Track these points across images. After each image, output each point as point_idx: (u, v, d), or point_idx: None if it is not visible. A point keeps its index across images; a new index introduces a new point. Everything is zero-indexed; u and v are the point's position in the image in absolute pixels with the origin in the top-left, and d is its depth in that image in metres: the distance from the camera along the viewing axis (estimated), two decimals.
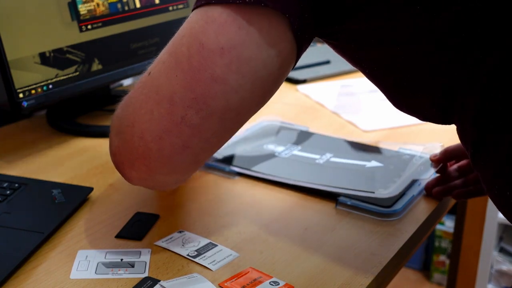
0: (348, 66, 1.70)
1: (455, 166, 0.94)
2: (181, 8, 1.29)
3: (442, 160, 0.93)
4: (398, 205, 0.88)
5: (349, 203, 0.88)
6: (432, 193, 0.92)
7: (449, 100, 0.67)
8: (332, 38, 0.70)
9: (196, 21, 0.65)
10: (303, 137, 1.11)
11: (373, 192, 0.89)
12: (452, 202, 0.99)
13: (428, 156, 0.98)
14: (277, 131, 1.13)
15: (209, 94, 0.65)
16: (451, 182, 0.93)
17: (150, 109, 0.67)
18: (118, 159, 0.73)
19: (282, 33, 0.65)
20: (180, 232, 0.82)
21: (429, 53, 0.65)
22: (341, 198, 0.89)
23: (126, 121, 0.69)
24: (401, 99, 0.72)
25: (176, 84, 0.65)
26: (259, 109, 0.71)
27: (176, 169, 0.71)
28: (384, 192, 0.89)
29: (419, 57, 0.66)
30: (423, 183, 0.94)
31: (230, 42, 0.63)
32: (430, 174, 0.94)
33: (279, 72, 0.68)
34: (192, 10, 0.67)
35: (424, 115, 0.72)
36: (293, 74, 1.49)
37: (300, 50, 0.67)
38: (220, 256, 0.77)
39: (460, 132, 0.69)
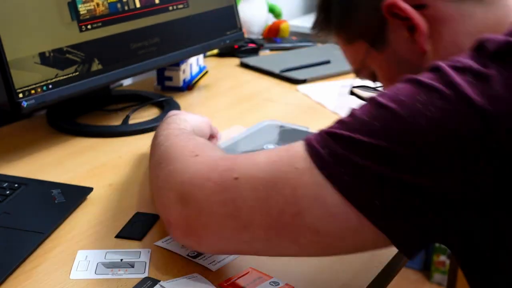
0: (348, 66, 1.70)
1: None
2: (181, 8, 1.29)
3: None
4: None
5: None
6: None
7: None
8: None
9: (307, 183, 0.61)
10: (302, 137, 1.11)
11: None
12: None
13: None
14: (278, 131, 1.13)
15: (282, 246, 0.65)
16: None
17: (223, 216, 0.66)
18: (175, 225, 0.71)
19: (386, 243, 0.61)
20: None
21: None
22: None
23: (196, 203, 0.68)
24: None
25: (257, 221, 0.64)
26: None
27: (222, 253, 0.75)
28: None
29: None
30: None
31: (329, 231, 0.61)
32: None
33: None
34: (307, 149, 0.62)
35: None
36: (293, 74, 1.49)
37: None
38: (220, 256, 0.77)
39: None
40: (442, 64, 0.59)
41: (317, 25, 0.81)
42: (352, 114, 0.62)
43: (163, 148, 0.80)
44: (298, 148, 0.63)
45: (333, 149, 0.60)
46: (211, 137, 1.06)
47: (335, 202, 0.60)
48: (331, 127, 0.62)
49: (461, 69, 0.58)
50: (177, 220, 0.70)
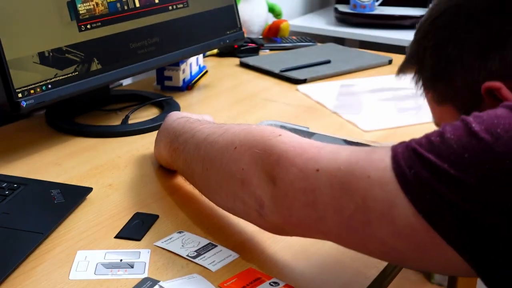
0: (348, 66, 1.70)
1: None
2: (180, 8, 1.29)
3: None
4: None
5: None
6: None
7: None
8: None
9: (378, 196, 0.60)
10: (304, 137, 1.10)
11: None
12: None
13: None
14: None
15: (352, 244, 0.67)
16: None
17: (303, 204, 0.66)
18: (268, 202, 0.70)
19: (468, 271, 0.59)
20: (179, 232, 0.82)
21: None
22: None
23: (283, 187, 0.68)
24: None
25: (330, 218, 0.64)
26: None
27: (304, 236, 0.73)
28: None
29: None
30: None
31: (397, 247, 0.61)
32: None
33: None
34: (392, 160, 0.60)
35: None
36: (293, 74, 1.49)
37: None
38: (220, 257, 0.77)
39: None
40: None
41: (403, 71, 0.80)
42: (442, 134, 0.59)
43: (222, 138, 0.78)
44: (381, 157, 0.61)
45: (419, 173, 0.58)
46: None
47: (407, 224, 0.58)
48: (419, 143, 0.59)
49: None
50: (270, 198, 0.69)
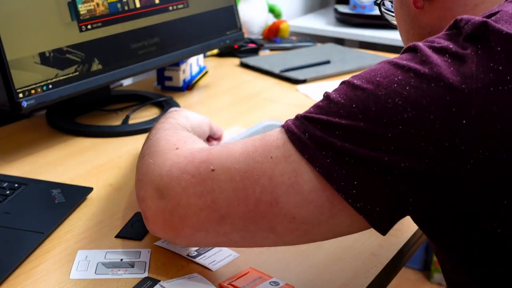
0: (348, 66, 1.70)
1: None
2: (180, 8, 1.29)
3: None
4: None
5: None
6: None
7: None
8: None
9: (283, 170, 0.62)
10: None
11: None
12: None
13: None
14: None
15: (260, 235, 0.66)
16: None
17: (201, 208, 0.67)
18: (152, 219, 0.71)
19: (364, 227, 0.63)
20: None
21: None
22: None
23: (173, 196, 0.68)
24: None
25: (234, 211, 0.65)
26: None
27: (200, 246, 0.76)
28: None
29: None
30: None
31: (305, 218, 0.62)
32: None
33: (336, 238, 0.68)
34: (286, 133, 0.63)
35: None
36: (293, 74, 1.49)
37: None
38: (220, 256, 0.77)
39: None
40: (420, 44, 0.60)
41: None
42: (327, 97, 0.63)
43: (150, 142, 0.81)
44: (274, 136, 0.64)
45: (313, 133, 0.61)
46: (214, 139, 1.06)
47: (313, 188, 0.61)
48: (308, 112, 0.63)
49: (438, 49, 0.59)
50: (154, 213, 0.70)
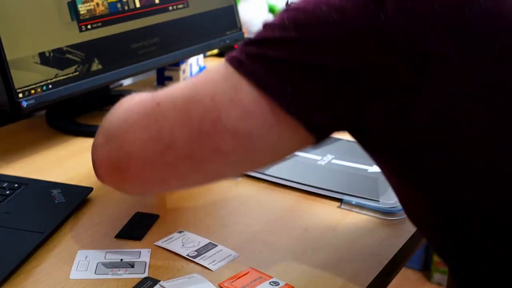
0: None
1: None
2: (180, 8, 1.29)
3: None
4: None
5: (354, 202, 0.88)
6: None
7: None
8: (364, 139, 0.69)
9: (224, 88, 0.64)
10: None
11: (378, 201, 0.88)
12: None
13: None
14: None
15: (205, 160, 0.66)
16: None
17: (145, 140, 0.68)
18: (99, 165, 0.73)
19: (303, 139, 0.65)
20: (180, 232, 0.82)
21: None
22: (346, 198, 0.89)
23: (119, 136, 0.70)
24: (412, 216, 0.73)
25: (179, 135, 0.66)
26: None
27: (147, 190, 0.77)
28: (388, 204, 0.88)
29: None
30: None
31: (247, 131, 0.64)
32: None
33: (283, 159, 0.70)
34: (226, 60, 0.66)
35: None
36: None
37: (317, 144, 0.68)
38: (220, 256, 0.77)
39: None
40: None
41: None
42: (263, 25, 0.66)
43: None
44: (216, 66, 0.67)
45: (249, 51, 0.64)
46: None
47: (252, 99, 0.63)
48: (247, 39, 0.66)
49: None
50: (101, 157, 0.72)
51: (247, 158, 0.67)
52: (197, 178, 0.70)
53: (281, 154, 0.68)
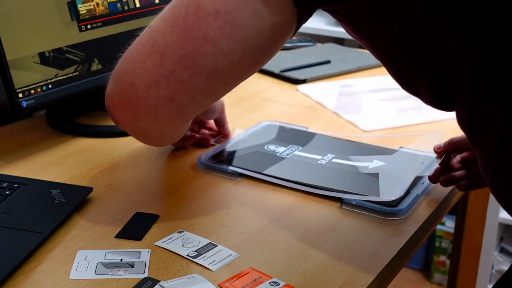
0: (348, 66, 1.70)
1: (458, 157, 0.94)
2: None
3: (445, 152, 0.93)
4: (403, 204, 0.88)
5: (354, 202, 0.88)
6: (437, 181, 0.93)
7: (442, 80, 0.68)
8: (336, 12, 0.71)
9: None
10: (303, 137, 1.11)
11: (378, 197, 0.88)
12: (452, 202, 0.99)
13: (430, 155, 0.98)
14: (277, 132, 1.13)
15: (199, 53, 0.68)
16: (455, 173, 0.93)
17: (144, 59, 0.70)
18: (110, 103, 0.75)
19: (282, 4, 0.66)
20: (180, 232, 0.82)
21: (422, 27, 0.66)
22: (346, 198, 0.89)
23: (122, 68, 0.73)
24: (402, 77, 0.73)
25: (170, 40, 0.69)
26: (248, 76, 0.74)
27: (160, 119, 0.74)
28: (389, 198, 0.88)
29: (414, 31, 0.67)
30: (426, 181, 0.94)
31: (226, 7, 0.66)
32: (433, 170, 0.94)
33: (273, 42, 0.70)
34: None
35: (422, 95, 0.73)
36: (293, 74, 1.49)
37: (300, 21, 0.69)
38: (220, 256, 0.77)
39: (457, 116, 0.70)
40: None
41: None
42: None
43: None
44: None
45: None
46: (224, 135, 1.07)
47: None
48: None
49: None
50: (109, 97, 0.74)
51: (236, 42, 0.67)
52: (200, 84, 0.70)
53: (265, 34, 0.68)
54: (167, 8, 0.72)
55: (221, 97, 0.77)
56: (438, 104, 0.73)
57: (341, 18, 0.72)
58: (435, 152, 0.94)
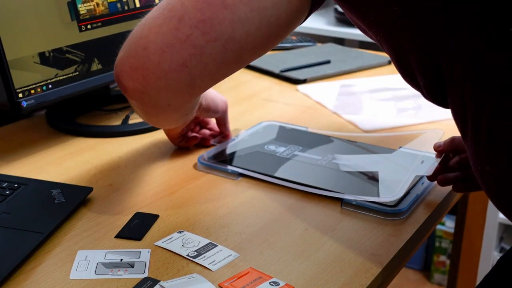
0: (348, 66, 1.70)
1: (456, 158, 0.94)
2: None
3: (445, 150, 0.93)
4: (403, 205, 0.88)
5: (354, 202, 0.88)
6: (435, 180, 0.93)
7: (435, 71, 0.68)
8: (345, 1, 0.71)
9: None
10: (303, 137, 1.11)
11: (378, 197, 0.88)
12: (452, 202, 0.99)
13: (429, 154, 0.98)
14: (277, 132, 1.13)
15: (217, 18, 0.68)
16: (451, 174, 0.93)
17: (160, 24, 0.70)
18: (120, 69, 0.74)
19: None
20: (180, 232, 0.82)
21: (418, 17, 0.66)
22: (347, 198, 0.89)
23: (136, 33, 0.72)
24: (402, 66, 0.73)
25: (189, 4, 0.68)
26: (262, 53, 0.74)
27: (170, 86, 0.72)
28: (389, 199, 0.88)
29: (411, 23, 0.67)
30: (426, 181, 0.94)
31: None
32: (432, 170, 0.94)
33: (287, 19, 0.70)
34: None
35: (418, 86, 0.73)
36: (293, 74, 1.49)
37: (313, 4, 0.69)
38: (220, 256, 0.77)
39: (452, 109, 0.70)
40: None
41: None
42: None
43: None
44: None
45: None
46: (225, 135, 1.07)
47: None
48: None
49: None
50: (120, 61, 0.73)
51: (254, 10, 0.68)
52: (215, 51, 0.70)
53: (282, 6, 0.69)
54: None
55: (232, 72, 0.75)
56: (432, 95, 0.73)
57: (351, 8, 0.72)
58: (435, 150, 0.94)
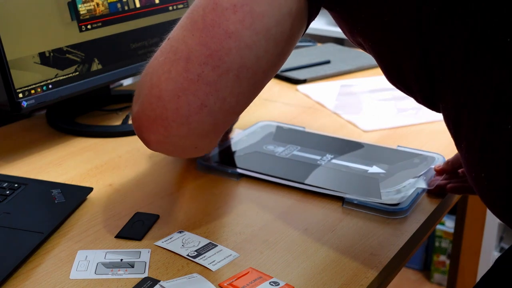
0: (348, 66, 1.70)
1: (459, 171, 0.95)
2: (181, 8, 1.29)
3: (445, 171, 0.95)
4: (404, 204, 0.88)
5: (356, 202, 0.88)
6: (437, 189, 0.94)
7: (429, 76, 0.68)
8: (337, 11, 0.71)
9: None
10: (301, 137, 1.11)
11: (380, 199, 0.89)
12: (452, 202, 0.99)
13: (430, 154, 0.98)
14: (275, 132, 1.13)
15: (223, 49, 0.66)
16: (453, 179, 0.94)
17: (168, 69, 0.68)
18: (138, 124, 0.73)
19: (296, 3, 0.66)
20: (180, 232, 0.82)
21: (409, 27, 0.66)
22: (348, 197, 0.89)
23: (145, 83, 0.70)
24: (393, 75, 0.73)
25: (192, 43, 0.67)
26: (276, 70, 0.72)
27: (193, 130, 0.70)
28: (391, 201, 0.88)
29: (402, 30, 0.66)
30: (426, 180, 0.94)
31: (243, 0, 0.65)
32: (432, 170, 0.94)
33: (291, 33, 0.69)
34: None
35: (412, 91, 0.73)
36: (293, 74, 1.49)
37: (310, 15, 0.69)
38: (220, 256, 0.77)
39: (443, 112, 0.70)
40: None
41: None
42: None
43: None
44: None
45: None
46: (224, 136, 1.07)
47: None
48: None
49: None
50: (137, 115, 0.72)
51: (259, 34, 0.66)
52: (230, 83, 0.68)
53: (285, 23, 0.67)
54: (183, 16, 0.70)
55: (251, 100, 0.73)
56: (426, 100, 0.73)
57: (341, 16, 0.72)
58: (435, 171, 0.95)
